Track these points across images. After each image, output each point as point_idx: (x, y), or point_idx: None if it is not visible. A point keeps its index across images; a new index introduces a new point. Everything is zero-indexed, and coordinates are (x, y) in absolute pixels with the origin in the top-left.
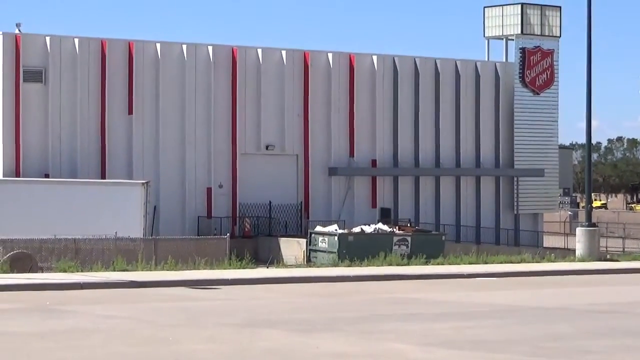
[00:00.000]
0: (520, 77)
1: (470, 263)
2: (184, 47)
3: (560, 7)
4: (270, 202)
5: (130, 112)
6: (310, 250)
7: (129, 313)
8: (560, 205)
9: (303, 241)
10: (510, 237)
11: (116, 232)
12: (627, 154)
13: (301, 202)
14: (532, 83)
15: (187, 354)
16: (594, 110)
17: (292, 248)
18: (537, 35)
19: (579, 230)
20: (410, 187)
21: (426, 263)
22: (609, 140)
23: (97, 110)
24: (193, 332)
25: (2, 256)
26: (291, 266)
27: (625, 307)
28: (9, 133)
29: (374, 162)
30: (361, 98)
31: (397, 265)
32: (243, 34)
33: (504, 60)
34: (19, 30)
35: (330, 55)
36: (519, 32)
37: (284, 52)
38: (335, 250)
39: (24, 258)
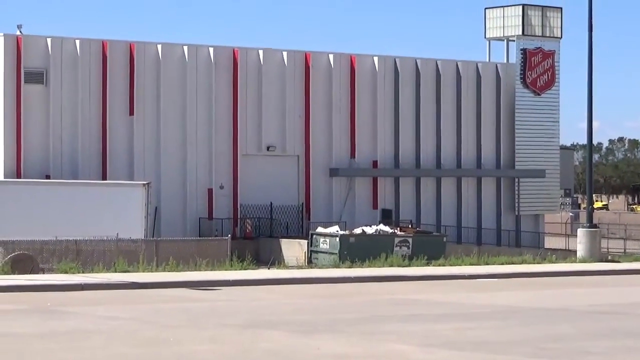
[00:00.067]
0: (521, 78)
1: (471, 264)
2: (185, 48)
3: (561, 8)
4: (271, 203)
5: (131, 113)
6: (311, 251)
7: (130, 314)
8: (562, 207)
9: (304, 242)
10: (512, 238)
11: (117, 233)
12: (628, 155)
13: (302, 203)
14: (533, 84)
15: (188, 355)
16: (595, 111)
17: (293, 249)
18: (538, 36)
19: (580, 232)
20: (411, 188)
21: (427, 264)
22: (610, 141)
23: (98, 112)
24: (194, 333)
25: (4, 257)
26: (292, 267)
27: (627, 308)
28: (11, 134)
29: (375, 163)
30: (362, 99)
31: (399, 266)
32: (244, 35)
33: (505, 61)
34: (20, 31)
35: (331, 56)
36: (520, 33)
37: (285, 53)
38: (337, 251)
39: (25, 259)
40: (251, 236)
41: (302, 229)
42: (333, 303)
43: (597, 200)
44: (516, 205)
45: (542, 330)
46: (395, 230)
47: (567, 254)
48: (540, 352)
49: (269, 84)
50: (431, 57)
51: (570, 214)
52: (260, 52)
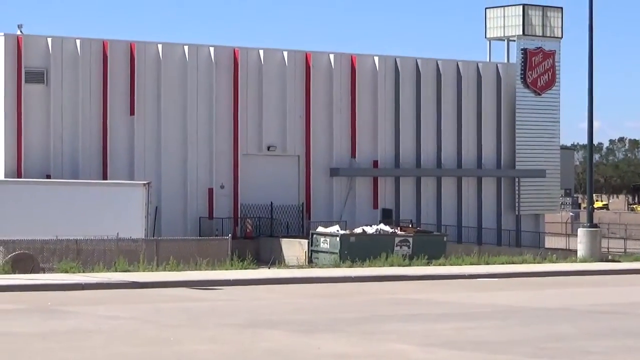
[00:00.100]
0: (521, 78)
1: (471, 264)
2: (186, 48)
3: (561, 8)
4: (271, 202)
5: (132, 113)
6: (311, 251)
7: (131, 314)
8: (562, 206)
9: (305, 242)
10: (512, 238)
11: (118, 233)
12: (628, 155)
13: (303, 203)
14: (534, 84)
15: (188, 355)
16: (596, 110)
17: (293, 249)
18: (539, 36)
19: (581, 231)
20: (411, 187)
21: (428, 264)
22: (611, 141)
23: (98, 111)
24: (195, 332)
25: (4, 257)
26: (293, 267)
27: (627, 308)
28: (11, 134)
29: (375, 163)
30: (363, 99)
31: (399, 266)
32: (244, 35)
33: (506, 61)
34: (21, 31)
35: (331, 56)
36: (521, 33)
37: (285, 53)
38: (337, 251)
39: (26, 259)
40: (251, 236)
41: (303, 229)
42: (333, 303)
43: (597, 200)
44: (516, 205)
45: (543, 330)
46: (396, 230)
47: (568, 254)
48: (541, 351)
49: (270, 84)
50: (432, 57)
51: (571, 213)
52: (261, 52)
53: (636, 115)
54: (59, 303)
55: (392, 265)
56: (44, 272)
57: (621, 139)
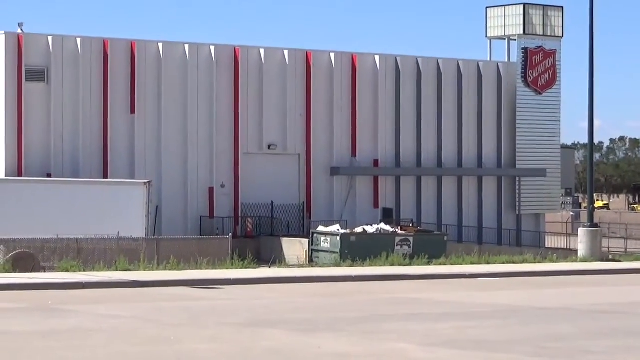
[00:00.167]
0: (522, 77)
1: (472, 263)
2: (186, 46)
3: (562, 7)
4: (272, 202)
5: (132, 111)
6: (312, 250)
7: (131, 313)
8: (562, 206)
9: (305, 241)
10: (513, 238)
11: (118, 232)
12: (629, 154)
13: (303, 202)
14: (535, 83)
15: (189, 354)
16: (596, 110)
17: (294, 248)
18: (539, 35)
19: (581, 231)
20: (412, 187)
21: (428, 263)
22: (611, 140)
23: (99, 110)
24: (195, 331)
25: (5, 256)
26: (293, 266)
27: (627, 308)
28: (12, 132)
29: (376, 162)
30: (363, 98)
31: (399, 265)
32: (245, 33)
33: (506, 60)
34: (22, 29)
35: (332, 55)
36: (521, 32)
37: (286, 52)
38: (338, 250)
39: (27, 257)
40: (252, 235)
41: (303, 228)
42: (334, 302)
43: (598, 200)
44: (517, 204)
45: (543, 329)
46: (396, 229)
47: (568, 253)
48: (541, 351)
49: (270, 83)
50: (432, 55)
51: (571, 213)
52: (262, 50)
53: (637, 115)
54: (59, 302)
55: (392, 264)
56: (45, 271)
57: (622, 138)
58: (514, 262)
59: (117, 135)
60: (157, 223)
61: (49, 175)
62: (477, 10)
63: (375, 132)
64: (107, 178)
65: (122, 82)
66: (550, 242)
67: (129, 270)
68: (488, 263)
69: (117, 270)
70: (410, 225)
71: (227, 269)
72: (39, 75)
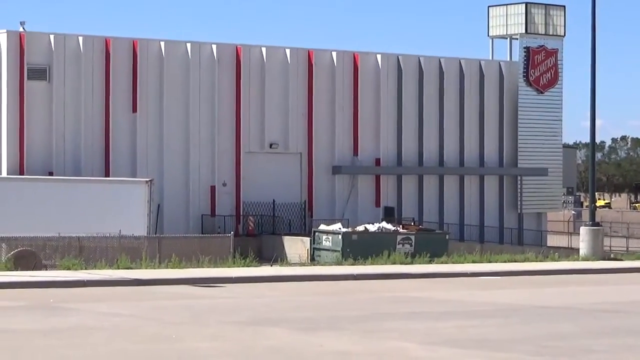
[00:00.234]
0: (524, 76)
1: (474, 262)
2: (188, 45)
3: (564, 6)
4: (274, 200)
5: (134, 110)
6: (314, 248)
7: (133, 311)
8: (564, 205)
9: (307, 240)
10: (514, 236)
11: (120, 230)
12: (631, 153)
13: (305, 201)
14: (536, 82)
15: (190, 352)
16: (598, 109)
17: (295, 246)
18: (541, 34)
19: (583, 230)
20: (414, 186)
21: (430, 262)
22: (613, 140)
23: (101, 108)
24: (196, 330)
25: (6, 254)
26: (295, 264)
27: (629, 307)
28: (14, 131)
29: (377, 161)
30: (365, 97)
31: (401, 264)
32: (247, 32)
33: (508, 59)
34: (23, 28)
35: (334, 54)
36: (523, 31)
37: (288, 51)
38: (339, 248)
39: (28, 256)
40: (254, 233)
41: (305, 227)
42: (335, 300)
43: (599, 199)
44: (519, 203)
45: (544, 328)
46: (398, 228)
47: (570, 252)
48: (543, 350)
49: (272, 82)
50: (434, 54)
51: (573, 212)
52: (263, 49)
53: (639, 114)
54: (61, 300)
55: (394, 263)
56: (46, 269)
57: (623, 138)
58: (515, 261)
59: (119, 133)
60: (159, 221)
61: (50, 174)
62: (479, 9)
63: (377, 131)
64: (108, 176)
65: (124, 81)
66: (552, 240)
67: (131, 268)
68: (490, 262)
69: (118, 268)
70: (412, 223)
71: (228, 267)
72: (41, 73)
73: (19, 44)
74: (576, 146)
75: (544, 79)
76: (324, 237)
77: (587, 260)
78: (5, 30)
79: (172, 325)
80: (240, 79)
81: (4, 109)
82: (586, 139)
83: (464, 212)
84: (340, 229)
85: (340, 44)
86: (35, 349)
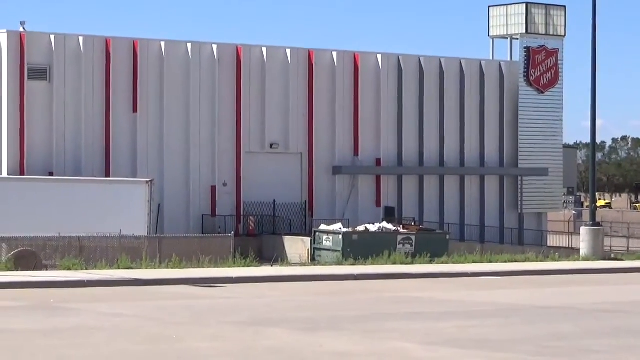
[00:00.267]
0: (524, 76)
1: (474, 262)
2: (189, 45)
3: (565, 6)
4: (274, 200)
5: (134, 110)
6: (314, 248)
7: (133, 311)
8: (565, 205)
9: (307, 240)
10: (515, 236)
11: (120, 230)
12: (631, 154)
13: (305, 201)
14: (537, 82)
15: (190, 352)
16: (599, 109)
17: (296, 246)
18: (542, 34)
19: (583, 230)
20: (414, 186)
21: (430, 262)
22: (614, 140)
23: (101, 109)
24: (197, 330)
25: (7, 254)
26: (295, 265)
27: (629, 307)
28: (14, 131)
29: (378, 161)
30: (366, 97)
31: (402, 264)
32: (247, 32)
33: (509, 59)
34: (24, 28)
35: (334, 54)
36: (524, 31)
37: (288, 51)
38: (340, 248)
39: (29, 256)
40: (254, 233)
41: (305, 227)
42: (336, 300)
43: (600, 199)
44: (519, 203)
45: (545, 328)
46: (398, 228)
47: (570, 252)
48: (543, 350)
49: (273, 82)
50: (435, 54)
51: (573, 212)
52: (264, 49)
53: (639, 114)
54: (61, 300)
55: (394, 263)
56: (47, 269)
57: (624, 138)
58: (516, 261)
59: (119, 133)
60: (159, 221)
61: (51, 174)
62: (479, 9)
63: (378, 131)
64: (109, 177)
65: (124, 81)
66: (553, 241)
67: (131, 268)
68: (490, 262)
69: (119, 268)
70: (413, 224)
71: (229, 267)
72: (41, 73)
73: (20, 44)
74: (577, 146)
75: (545, 79)
76: (325, 237)
77: (588, 260)
78: (5, 30)
79: (172, 325)
80: (240, 79)
81: (4, 109)
82: (587, 139)
83: (465, 212)
84: (340, 229)
85: (340, 44)
86: (36, 349)
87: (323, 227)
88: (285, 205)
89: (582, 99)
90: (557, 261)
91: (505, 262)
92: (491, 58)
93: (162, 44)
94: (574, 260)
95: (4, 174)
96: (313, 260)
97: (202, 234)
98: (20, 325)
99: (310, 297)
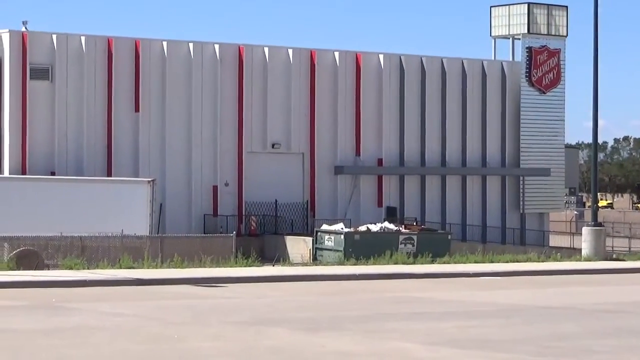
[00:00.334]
0: (526, 76)
1: (476, 262)
2: (191, 45)
3: (566, 6)
4: (276, 200)
5: (136, 110)
6: (316, 248)
7: (135, 311)
8: (566, 205)
9: (309, 239)
10: (516, 237)
11: (122, 230)
12: (633, 154)
13: (307, 201)
14: (539, 82)
15: (192, 352)
16: (601, 109)
17: (298, 246)
18: (544, 34)
19: (585, 230)
20: (416, 186)
21: (432, 262)
22: (616, 140)
23: (103, 108)
24: (198, 330)
25: (9, 253)
26: (297, 264)
27: (631, 307)
28: (16, 131)
29: (380, 161)
30: (367, 97)
31: (403, 263)
32: (249, 32)
33: (511, 59)
34: (26, 28)
35: (336, 54)
36: (526, 31)
37: (290, 51)
38: (341, 248)
39: (30, 255)
40: (256, 233)
41: (307, 226)
42: (337, 300)
43: (601, 199)
44: (521, 203)
45: (546, 328)
46: (400, 228)
47: (572, 252)
48: (545, 350)
49: (275, 81)
50: (437, 55)
51: (575, 212)
52: (266, 49)
53: None
54: (63, 300)
55: (396, 263)
56: (48, 269)
57: (626, 138)
58: (517, 261)
59: (121, 133)
60: (161, 221)
61: (53, 174)
62: (481, 9)
63: (379, 131)
64: (111, 176)
65: (126, 81)
66: (554, 241)
67: (133, 268)
68: (492, 262)
69: (120, 268)
70: (414, 224)
71: (230, 267)
72: (43, 73)
73: (22, 43)
74: (578, 146)
75: (547, 79)
76: (327, 237)
77: (589, 260)
78: (7, 30)
79: (174, 325)
80: (242, 78)
81: (6, 108)
82: (588, 139)
83: (466, 212)
84: (342, 229)
85: (342, 44)
86: (37, 349)
87: (325, 227)
88: (287, 205)
89: (584, 99)
90: (559, 261)
91: (507, 262)
92: (493, 58)
93: (164, 43)
94: (576, 261)
95: (6, 174)
96: (315, 260)
97: (204, 233)
98: (22, 325)
99: (312, 297)
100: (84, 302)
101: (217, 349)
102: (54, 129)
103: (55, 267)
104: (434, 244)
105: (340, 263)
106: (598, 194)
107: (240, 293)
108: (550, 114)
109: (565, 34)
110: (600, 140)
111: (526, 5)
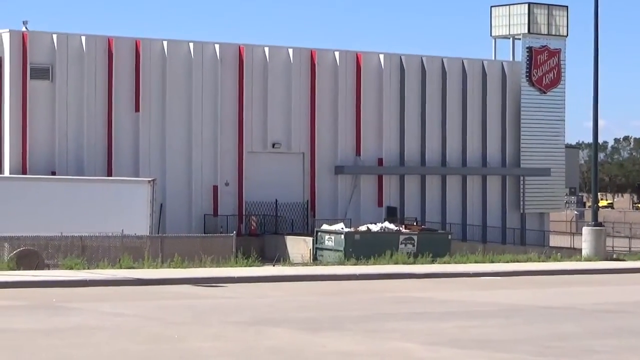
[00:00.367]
0: (527, 76)
1: (476, 262)
2: (191, 45)
3: (567, 6)
4: (276, 200)
5: (137, 109)
6: (316, 248)
7: (135, 311)
8: (567, 205)
9: (309, 239)
10: (517, 237)
11: (122, 230)
12: (633, 154)
13: (307, 201)
14: (539, 82)
15: (192, 352)
16: (601, 109)
17: (298, 246)
18: (544, 34)
19: (585, 230)
20: (416, 185)
21: (432, 262)
22: (616, 140)
23: (104, 108)
24: (199, 330)
25: (9, 253)
26: (297, 264)
27: (632, 307)
28: (16, 130)
29: (380, 161)
30: (368, 96)
31: (404, 263)
32: (250, 32)
33: (511, 59)
34: (26, 27)
35: (337, 54)
36: (526, 31)
37: (290, 51)
38: (342, 248)
39: (31, 255)
40: (256, 233)
41: (308, 226)
42: (338, 300)
43: (602, 199)
44: (521, 203)
45: (547, 328)
46: (400, 228)
47: (572, 252)
48: (545, 350)
49: (275, 81)
50: (437, 54)
51: (576, 212)
52: (266, 49)
53: None
54: (63, 299)
55: (396, 263)
56: (49, 269)
57: (626, 138)
58: (518, 261)
59: (121, 133)
60: (161, 221)
61: (53, 173)
62: (482, 9)
63: (380, 130)
64: (111, 176)
65: (126, 81)
66: (555, 241)
67: (133, 268)
68: (492, 262)
69: (121, 268)
70: (415, 223)
71: (231, 267)
72: (43, 73)
73: (22, 43)
74: (579, 146)
75: (547, 79)
76: (327, 237)
77: (590, 260)
78: (8, 30)
79: (174, 325)
80: (242, 78)
81: (6, 108)
82: (589, 139)
83: (467, 212)
84: (342, 228)
85: (342, 44)
86: (38, 349)
87: (325, 227)
88: (287, 205)
89: (584, 99)
90: (559, 261)
91: (507, 262)
92: (493, 58)
93: (165, 43)
94: (576, 261)
95: (7, 173)
96: (315, 260)
97: (204, 233)
98: (22, 325)
99: (312, 297)
100: (84, 302)
101: (218, 349)
102: (55, 128)
103: (56, 267)
104: (434, 244)
105: (341, 263)
106: (598, 194)
107: (241, 293)
108: (550, 114)
109: (565, 34)
110: (600, 140)
111: (526, 5)
